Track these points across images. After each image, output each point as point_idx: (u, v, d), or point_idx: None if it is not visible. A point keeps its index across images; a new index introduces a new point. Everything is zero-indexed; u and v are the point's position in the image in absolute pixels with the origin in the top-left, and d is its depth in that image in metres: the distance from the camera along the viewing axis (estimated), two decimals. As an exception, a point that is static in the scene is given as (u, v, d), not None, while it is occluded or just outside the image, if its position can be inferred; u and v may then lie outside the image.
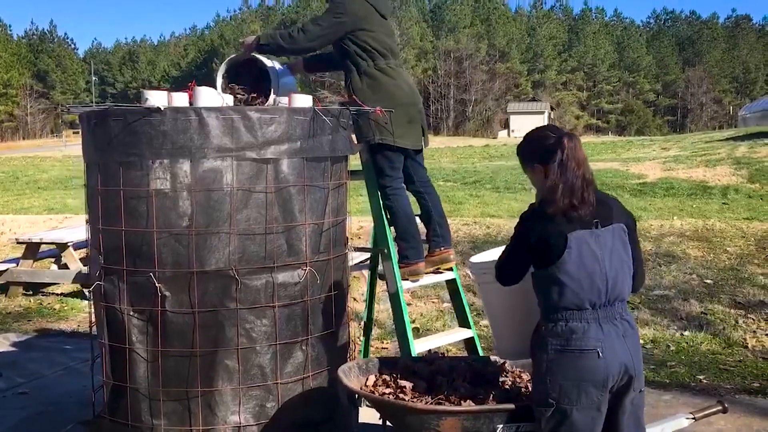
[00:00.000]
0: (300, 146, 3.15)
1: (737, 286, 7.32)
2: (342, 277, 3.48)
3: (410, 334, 3.63)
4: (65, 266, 7.70)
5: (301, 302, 3.20)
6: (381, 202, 3.78)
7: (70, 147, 40.30)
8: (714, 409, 2.83)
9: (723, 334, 5.76)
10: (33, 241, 7.66)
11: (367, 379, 2.98)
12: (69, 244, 7.45)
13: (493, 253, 2.88)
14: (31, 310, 7.01)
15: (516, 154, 2.70)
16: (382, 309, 6.05)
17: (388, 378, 2.96)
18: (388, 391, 2.87)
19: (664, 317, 6.26)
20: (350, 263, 3.70)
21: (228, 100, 3.45)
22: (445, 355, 3.79)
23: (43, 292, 7.71)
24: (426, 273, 3.88)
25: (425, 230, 3.98)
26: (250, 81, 3.77)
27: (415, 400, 2.80)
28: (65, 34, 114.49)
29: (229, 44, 75.13)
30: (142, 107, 3.04)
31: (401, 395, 2.83)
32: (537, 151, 2.53)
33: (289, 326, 3.18)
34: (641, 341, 3.64)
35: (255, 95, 3.71)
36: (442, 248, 3.92)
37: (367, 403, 3.35)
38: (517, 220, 2.52)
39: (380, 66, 3.73)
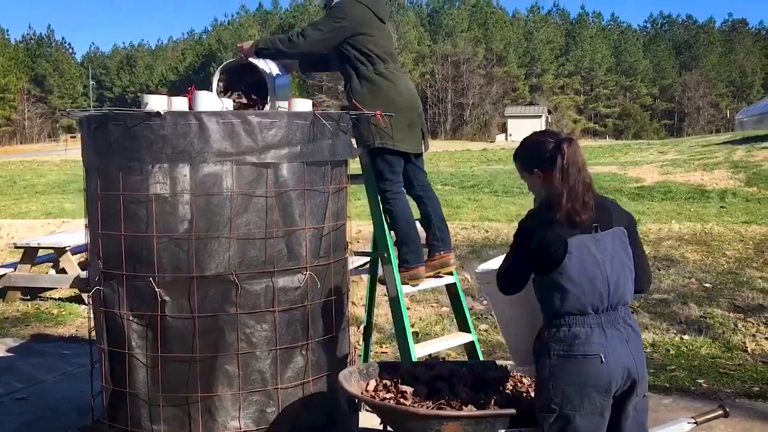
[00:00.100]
0: (300, 150, 3.15)
1: (736, 289, 7.32)
2: (342, 281, 3.47)
3: (411, 339, 3.63)
4: (63, 271, 7.68)
5: (302, 307, 3.20)
6: (381, 206, 3.77)
7: (70, 151, 40.27)
8: (715, 414, 2.82)
9: (722, 338, 5.75)
10: (31, 245, 7.64)
11: (367, 384, 2.96)
12: (67, 248, 7.43)
13: (497, 261, 2.87)
14: (29, 315, 6.99)
15: (513, 160, 2.69)
16: (381, 313, 6.04)
17: (388, 383, 2.95)
18: (389, 396, 2.86)
19: (663, 321, 6.25)
20: (350, 267, 3.69)
21: (228, 104, 3.45)
22: (446, 359, 3.77)
23: (41, 297, 7.68)
24: (426, 277, 3.87)
25: (425, 234, 3.98)
26: (245, 86, 3.77)
27: (416, 405, 2.79)
28: (63, 38, 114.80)
29: (227, 49, 75.17)
30: (142, 112, 3.04)
31: (402, 400, 2.82)
32: (536, 156, 2.53)
33: (289, 331, 3.17)
34: (641, 345, 3.62)
35: (251, 101, 3.70)
36: (442, 252, 3.92)
37: (368, 408, 3.34)
38: (516, 227, 2.51)
39: (380, 70, 3.73)
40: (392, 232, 3.83)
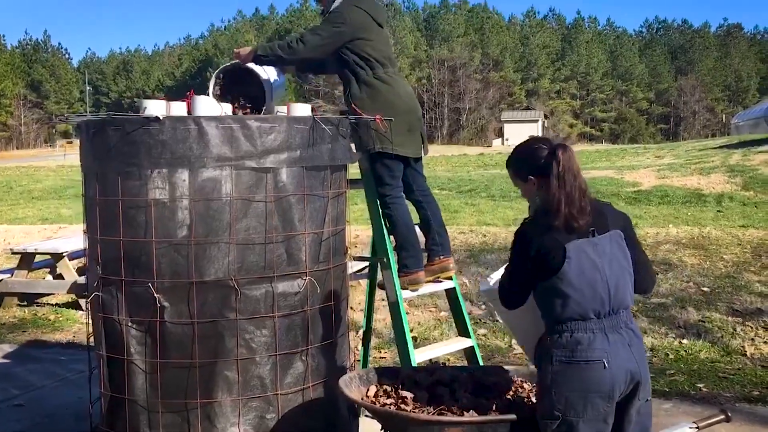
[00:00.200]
0: (299, 155, 3.14)
1: (734, 293, 7.33)
2: (342, 286, 3.46)
3: (410, 344, 3.62)
4: (60, 276, 7.65)
5: (301, 312, 3.18)
6: (380, 211, 3.77)
7: (67, 157, 40.20)
8: (717, 418, 2.80)
9: (721, 342, 5.75)
10: (28, 251, 7.61)
11: (368, 390, 2.95)
12: (64, 254, 7.40)
13: (498, 275, 2.85)
14: (26, 321, 6.96)
15: (506, 167, 2.68)
16: (379, 318, 6.04)
17: (389, 388, 2.93)
18: (389, 401, 2.85)
19: (662, 325, 6.25)
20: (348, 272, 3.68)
21: (227, 109, 3.44)
22: (446, 364, 3.76)
23: (38, 303, 7.66)
24: (425, 282, 3.86)
25: (424, 239, 3.97)
26: (241, 90, 3.76)
27: (417, 410, 2.77)
28: (59, 44, 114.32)
29: (224, 54, 75.17)
30: (140, 116, 3.03)
31: (403, 406, 2.81)
32: (531, 163, 2.53)
33: (289, 336, 3.15)
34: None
35: (247, 106, 3.70)
36: (442, 257, 3.91)
37: (369, 414, 3.33)
38: (514, 232, 2.50)
39: (379, 75, 3.73)
40: (392, 237, 3.82)
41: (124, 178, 3.04)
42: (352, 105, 3.67)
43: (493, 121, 78.22)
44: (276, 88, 3.78)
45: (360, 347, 4.47)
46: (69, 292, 7.37)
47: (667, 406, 4.45)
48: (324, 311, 3.29)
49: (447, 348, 3.98)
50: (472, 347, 3.95)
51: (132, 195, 3.03)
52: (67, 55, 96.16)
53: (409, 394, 2.86)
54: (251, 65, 3.69)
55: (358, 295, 6.70)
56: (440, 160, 31.63)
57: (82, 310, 7.16)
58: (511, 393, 2.96)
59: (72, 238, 8.49)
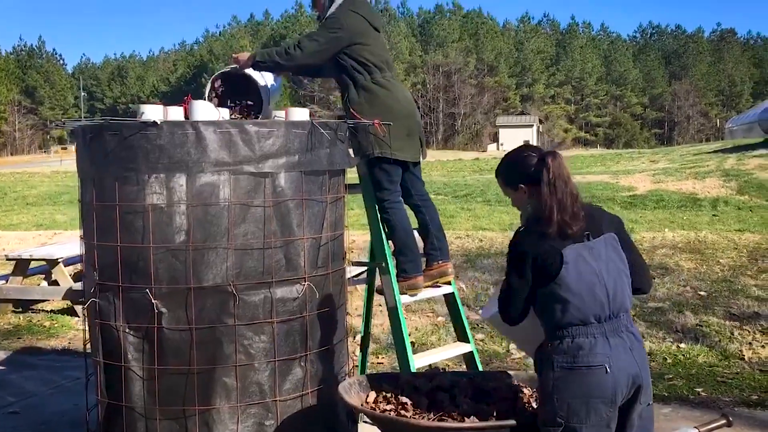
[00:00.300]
0: (298, 160, 3.13)
1: (731, 297, 7.33)
2: (340, 291, 3.45)
3: (409, 349, 3.60)
4: (55, 283, 7.61)
5: (300, 318, 3.16)
6: (379, 215, 3.75)
7: (61, 162, 40.10)
8: (719, 423, 2.79)
9: (719, 347, 5.74)
10: (23, 257, 7.56)
11: (367, 396, 2.93)
12: (59, 260, 7.36)
13: (495, 299, 2.82)
14: (21, 328, 6.92)
15: (496, 176, 2.67)
16: (376, 323, 6.01)
17: (389, 394, 2.92)
18: (389, 407, 2.83)
19: (659, 330, 6.24)
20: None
21: (224, 113, 3.42)
22: (446, 370, 3.75)
23: (33, 309, 7.61)
24: (424, 287, 3.84)
25: (423, 244, 3.96)
26: (239, 95, 3.75)
27: (417, 416, 2.76)
28: (54, 49, 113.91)
29: (219, 59, 75.22)
30: (138, 121, 3.01)
31: (403, 412, 2.79)
32: (521, 171, 2.52)
33: (287, 342, 3.13)
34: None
35: (247, 107, 3.69)
36: (440, 262, 3.90)
37: (368, 420, 3.30)
38: (508, 247, 2.46)
39: (377, 79, 3.72)
40: (390, 242, 3.80)
41: (121, 183, 3.02)
42: (351, 110, 3.65)
43: (488, 126, 78.39)
44: (272, 92, 3.78)
45: (358, 353, 4.45)
46: (64, 298, 7.33)
47: (666, 410, 4.44)
48: (323, 317, 3.27)
49: (446, 353, 3.96)
50: (471, 352, 3.93)
51: (129, 200, 3.01)
52: (61, 61, 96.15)
53: (409, 400, 2.84)
54: (249, 71, 3.68)
55: (354, 300, 6.67)
56: (435, 165, 31.66)
57: (78, 317, 7.12)
58: (512, 398, 2.95)
59: (67, 244, 8.44)
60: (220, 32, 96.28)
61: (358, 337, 4.50)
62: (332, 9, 3.75)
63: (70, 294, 7.17)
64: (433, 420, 2.71)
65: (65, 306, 7.56)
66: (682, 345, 5.80)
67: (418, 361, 3.63)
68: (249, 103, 3.68)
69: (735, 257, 9.47)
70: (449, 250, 4.07)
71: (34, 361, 5.77)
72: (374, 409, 2.82)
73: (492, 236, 11.70)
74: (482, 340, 6.08)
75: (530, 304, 2.46)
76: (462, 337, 4.00)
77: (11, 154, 73.71)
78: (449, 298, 4.02)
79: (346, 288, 3.58)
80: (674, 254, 9.68)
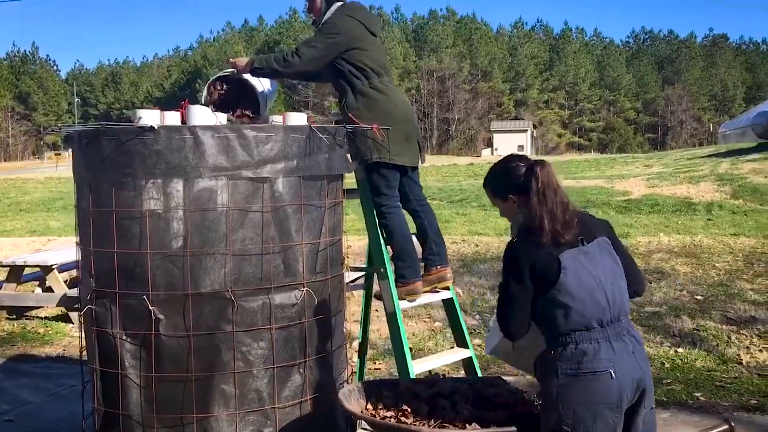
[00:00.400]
0: (296, 165, 3.11)
1: (728, 301, 7.33)
2: (339, 297, 3.42)
3: (408, 355, 3.58)
4: (50, 289, 7.55)
5: (299, 324, 3.14)
6: (377, 221, 3.73)
7: (54, 169, 39.96)
8: (721, 429, 2.78)
9: (717, 351, 5.73)
10: (16, 264, 7.52)
11: (367, 403, 2.91)
12: (53, 266, 7.31)
13: (496, 329, 2.78)
14: (15, 335, 6.86)
15: (483, 187, 2.65)
16: (373, 328, 5.98)
17: (389, 401, 2.89)
18: (389, 414, 2.81)
19: (657, 334, 6.23)
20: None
21: (221, 118, 3.40)
22: (446, 376, 3.73)
23: (27, 316, 7.55)
24: (423, 292, 3.82)
25: (421, 249, 3.94)
26: (237, 100, 3.73)
27: (417, 423, 2.73)
28: (47, 55, 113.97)
29: (213, 65, 75.14)
30: (135, 126, 2.98)
31: (403, 419, 2.77)
32: (510, 181, 2.51)
33: (286, 349, 3.11)
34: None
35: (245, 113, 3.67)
36: (439, 267, 3.88)
37: (367, 426, 3.28)
38: (504, 259, 2.42)
39: (374, 84, 3.70)
40: (388, 247, 3.78)
41: (118, 188, 2.99)
42: (349, 115, 3.63)
43: (482, 131, 78.53)
44: (269, 96, 3.76)
45: (356, 359, 4.42)
46: (59, 305, 7.28)
47: (666, 415, 4.42)
48: (322, 323, 3.25)
49: (445, 359, 3.94)
50: (470, 358, 3.91)
51: (126, 206, 2.99)
52: (55, 67, 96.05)
53: (409, 407, 2.82)
54: (247, 76, 3.66)
55: (351, 305, 6.64)
56: (430, 170, 31.65)
57: (72, 323, 7.07)
58: (512, 404, 2.93)
59: (61, 250, 8.39)
60: (214, 38, 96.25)
61: (356, 343, 4.48)
62: (328, 14, 3.74)
63: (64, 301, 7.12)
64: (434, 427, 2.69)
65: (59, 313, 7.51)
66: (680, 349, 5.79)
67: (417, 367, 3.61)
68: (246, 112, 3.66)
69: (731, 261, 9.48)
70: (447, 255, 4.05)
71: (29, 369, 5.72)
72: (374, 416, 2.80)
73: (488, 241, 11.70)
74: (479, 345, 6.05)
75: (530, 314, 2.40)
76: (461, 342, 3.98)
77: (5, 161, 73.42)
78: (448, 304, 4.00)
79: (345, 293, 3.56)
80: (670, 258, 9.69)
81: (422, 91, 77.75)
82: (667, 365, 5.45)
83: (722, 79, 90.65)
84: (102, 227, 3.05)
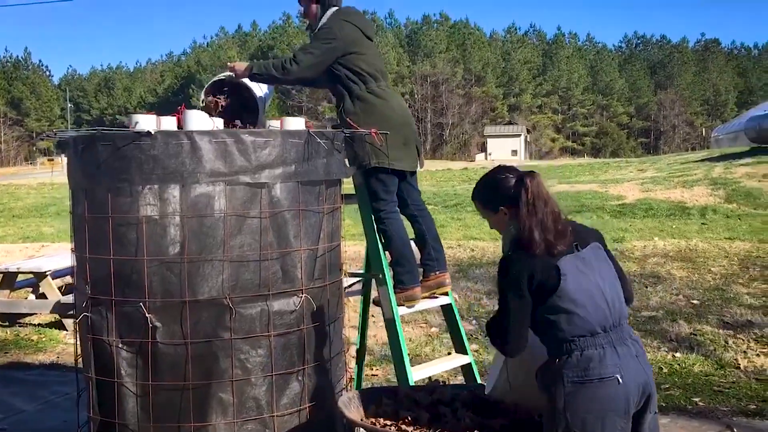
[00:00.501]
0: (295, 170, 3.08)
1: (724, 306, 7.33)
2: (338, 303, 3.40)
3: (407, 362, 3.55)
4: (43, 296, 7.50)
5: (297, 331, 3.10)
6: (375, 226, 3.71)
7: (48, 175, 39.77)
8: (723, 434, 2.77)
9: (714, 356, 5.72)
10: (10, 270, 7.45)
11: (367, 410, 2.87)
12: (47, 273, 7.26)
13: (495, 369, 2.74)
14: (8, 342, 6.79)
15: (473, 200, 2.62)
16: (369, 334, 5.94)
17: (389, 409, 2.86)
18: (389, 422, 2.77)
19: (653, 339, 6.22)
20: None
21: (218, 123, 3.37)
22: (446, 383, 3.70)
23: (20, 323, 7.49)
24: (422, 298, 3.80)
25: (419, 254, 3.91)
26: (235, 104, 3.71)
27: (418, 431, 2.70)
28: (40, 61, 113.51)
29: (206, 70, 75.02)
30: (131, 131, 2.95)
31: (404, 427, 2.74)
32: (500, 193, 2.48)
33: (285, 356, 3.07)
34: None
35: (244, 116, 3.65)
36: (438, 272, 3.85)
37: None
38: (499, 272, 2.38)
39: (372, 89, 3.68)
40: (387, 253, 3.76)
41: (114, 194, 2.96)
42: (347, 120, 3.61)
43: (476, 136, 78.67)
44: (266, 100, 3.75)
45: (353, 365, 4.39)
46: (52, 312, 7.22)
47: (665, 421, 4.40)
48: (320, 329, 3.22)
49: (444, 365, 3.91)
50: (469, 363, 3.89)
51: (122, 212, 2.95)
52: (47, 73, 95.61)
53: (409, 415, 2.79)
54: (245, 81, 3.64)
55: (347, 311, 6.60)
56: (424, 174, 31.67)
57: (66, 330, 7.01)
58: (513, 411, 2.90)
59: (55, 256, 8.33)
60: (207, 43, 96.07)
61: (353, 349, 4.45)
62: (324, 19, 3.71)
63: (58, 307, 7.07)
64: (435, 434, 2.66)
65: (53, 320, 7.45)
66: (677, 354, 5.78)
67: (416, 374, 3.58)
68: (238, 123, 3.63)
69: (726, 265, 9.49)
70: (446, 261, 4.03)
71: (22, 376, 5.66)
72: (374, 424, 2.77)
73: (483, 246, 11.69)
74: (476, 351, 6.03)
75: (528, 327, 2.36)
76: (460, 348, 3.95)
77: (-4, 166, 73.06)
78: (446, 309, 3.98)
79: (343, 299, 3.53)
80: (666, 263, 9.69)
81: (416, 95, 77.84)
82: (665, 370, 5.44)
83: (714, 84, 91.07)
84: (98, 233, 3.01)
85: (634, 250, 10.59)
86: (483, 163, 47.82)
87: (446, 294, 3.92)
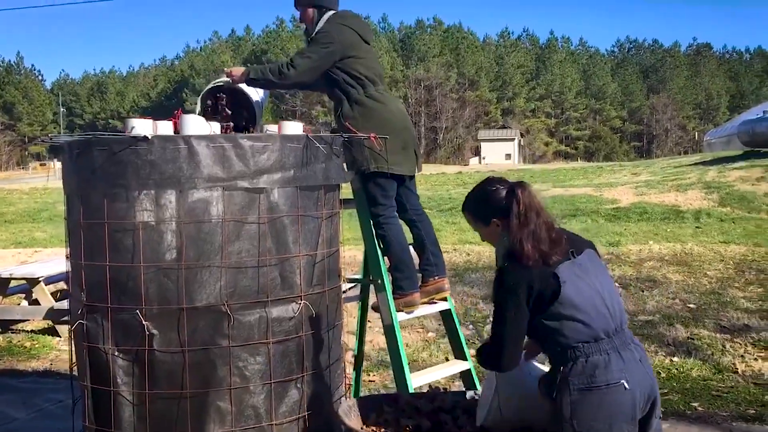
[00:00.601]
0: (293, 175, 3.04)
1: (720, 310, 7.32)
2: (336, 309, 3.36)
3: (407, 368, 3.51)
4: (36, 302, 7.42)
5: (296, 338, 3.06)
6: (374, 231, 3.67)
7: (41, 179, 39.58)
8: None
9: (712, 360, 5.71)
10: (2, 276, 7.37)
11: (367, 419, 2.84)
12: (40, 279, 7.18)
13: (484, 401, 2.72)
14: (1, 349, 6.72)
15: (463, 211, 2.59)
16: (366, 339, 5.90)
17: (389, 417, 2.83)
18: (390, 430, 2.74)
19: (651, 343, 6.20)
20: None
21: (215, 128, 3.33)
22: (446, 389, 3.66)
23: (13, 330, 7.41)
24: (421, 304, 3.76)
25: (418, 259, 3.88)
26: (233, 108, 3.68)
27: (419, 439, 2.67)
28: (32, 65, 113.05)
29: (199, 74, 74.94)
30: (128, 136, 2.91)
31: (405, 434, 2.71)
32: (492, 205, 2.46)
33: (283, 363, 3.03)
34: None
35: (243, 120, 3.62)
36: (437, 277, 3.83)
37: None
38: (495, 284, 2.35)
39: (370, 93, 3.65)
40: (385, 258, 3.72)
41: (110, 200, 2.91)
42: (345, 124, 3.58)
43: (469, 140, 78.81)
44: (261, 104, 3.72)
45: (350, 371, 4.35)
46: (45, 318, 7.15)
47: (664, 426, 4.34)
48: (319, 336, 3.18)
49: (444, 371, 3.88)
50: (469, 369, 3.85)
51: (118, 217, 2.91)
52: (40, 77, 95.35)
53: (410, 422, 2.76)
54: (243, 86, 3.60)
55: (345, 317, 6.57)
56: (419, 178, 31.42)
57: (59, 337, 6.95)
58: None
59: (48, 262, 8.26)
60: (201, 47, 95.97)
61: (349, 355, 4.41)
62: (321, 23, 3.68)
63: (51, 314, 7.00)
64: (437, 443, 2.63)
65: (46, 326, 7.37)
66: (675, 359, 5.76)
67: (415, 380, 3.54)
68: (243, 115, 3.61)
69: (722, 269, 9.50)
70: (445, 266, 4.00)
71: (15, 384, 5.59)
72: (375, 432, 2.74)
73: (479, 250, 11.65)
74: (474, 356, 6.00)
75: (523, 339, 2.34)
76: (459, 354, 3.92)
77: (-12, 171, 72.72)
78: (445, 315, 3.95)
79: (342, 306, 3.49)
80: (661, 266, 9.69)
81: (410, 100, 77.89)
82: (663, 375, 5.42)
83: (706, 88, 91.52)
84: (93, 240, 2.97)
85: (629, 254, 10.58)
86: (477, 167, 47.84)
87: (445, 299, 3.89)
